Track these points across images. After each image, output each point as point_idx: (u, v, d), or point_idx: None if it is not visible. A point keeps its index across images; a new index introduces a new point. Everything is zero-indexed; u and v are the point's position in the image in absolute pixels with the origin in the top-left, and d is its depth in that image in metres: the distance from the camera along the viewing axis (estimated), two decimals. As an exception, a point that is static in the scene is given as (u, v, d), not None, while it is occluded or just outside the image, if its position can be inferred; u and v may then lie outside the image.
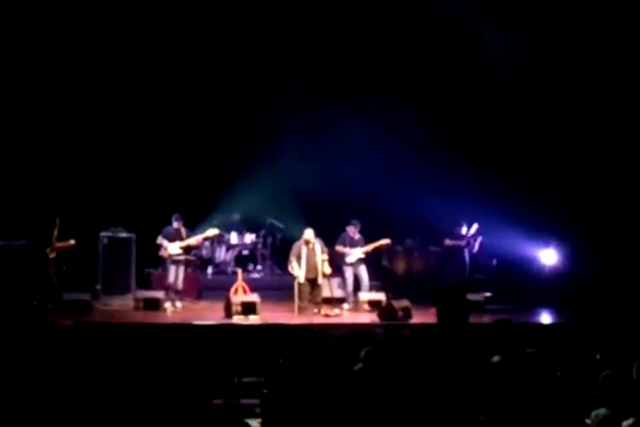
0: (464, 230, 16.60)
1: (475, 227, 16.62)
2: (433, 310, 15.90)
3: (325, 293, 15.66)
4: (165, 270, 16.20)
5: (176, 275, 15.87)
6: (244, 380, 10.85)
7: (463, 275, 16.51)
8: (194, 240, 16.02)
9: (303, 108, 18.04)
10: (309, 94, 17.74)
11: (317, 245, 15.42)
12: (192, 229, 16.32)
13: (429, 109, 18.36)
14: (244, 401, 9.98)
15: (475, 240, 16.61)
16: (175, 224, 15.86)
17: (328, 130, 18.11)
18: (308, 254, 15.33)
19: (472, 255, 16.69)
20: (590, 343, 12.38)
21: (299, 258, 15.32)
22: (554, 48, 17.66)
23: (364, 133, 17.89)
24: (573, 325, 14.30)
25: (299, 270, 15.29)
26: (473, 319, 14.88)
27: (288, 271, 15.92)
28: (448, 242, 16.64)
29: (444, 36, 18.14)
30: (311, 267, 15.33)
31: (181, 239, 15.83)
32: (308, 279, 15.31)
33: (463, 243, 16.57)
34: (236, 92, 18.47)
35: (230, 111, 18.64)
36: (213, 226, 16.94)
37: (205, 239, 17.24)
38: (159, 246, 15.83)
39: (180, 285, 15.94)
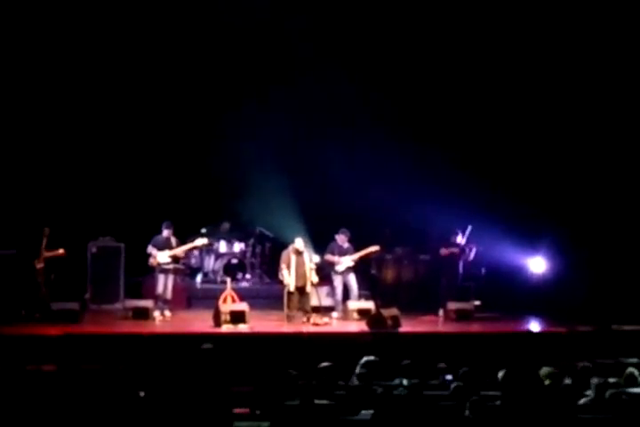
0: (459, 239, 16.58)
1: (466, 234, 16.61)
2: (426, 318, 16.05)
3: (313, 301, 15.64)
4: (154, 279, 16.16)
5: (165, 284, 15.77)
6: (234, 389, 10.81)
7: (455, 284, 16.52)
8: (182, 250, 15.99)
9: (296, 117, 18.06)
10: (300, 105, 17.78)
11: (306, 254, 15.44)
12: (182, 237, 16.25)
13: (421, 120, 18.36)
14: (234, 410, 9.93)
15: (470, 249, 16.61)
16: (165, 232, 15.77)
17: (319, 139, 18.07)
18: (298, 263, 15.33)
19: (465, 264, 16.69)
20: (579, 351, 12.42)
21: (289, 266, 15.33)
22: (544, 59, 17.75)
23: (355, 142, 17.89)
24: (562, 333, 14.32)
25: (289, 278, 15.30)
26: (462, 328, 15.04)
27: (277, 280, 15.88)
28: (444, 251, 16.61)
29: (434, 45, 18.21)
30: (300, 275, 15.33)
31: (170, 248, 15.74)
32: (296, 288, 15.32)
33: (457, 251, 16.54)
34: (226, 100, 18.44)
35: (220, 119, 18.59)
36: (202, 235, 16.91)
37: (194, 249, 17.22)
38: (149, 255, 15.78)
39: (169, 294, 15.83)
